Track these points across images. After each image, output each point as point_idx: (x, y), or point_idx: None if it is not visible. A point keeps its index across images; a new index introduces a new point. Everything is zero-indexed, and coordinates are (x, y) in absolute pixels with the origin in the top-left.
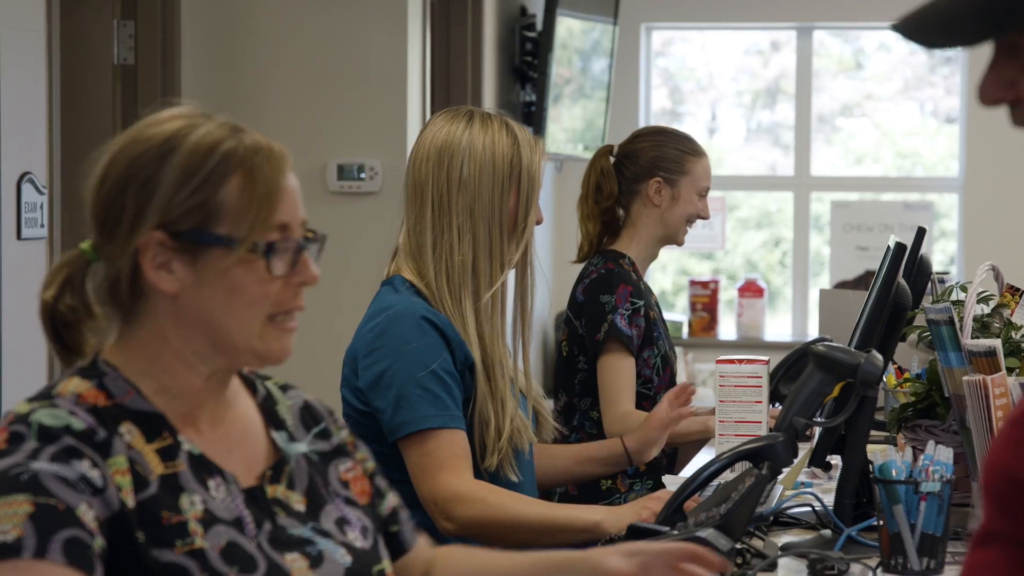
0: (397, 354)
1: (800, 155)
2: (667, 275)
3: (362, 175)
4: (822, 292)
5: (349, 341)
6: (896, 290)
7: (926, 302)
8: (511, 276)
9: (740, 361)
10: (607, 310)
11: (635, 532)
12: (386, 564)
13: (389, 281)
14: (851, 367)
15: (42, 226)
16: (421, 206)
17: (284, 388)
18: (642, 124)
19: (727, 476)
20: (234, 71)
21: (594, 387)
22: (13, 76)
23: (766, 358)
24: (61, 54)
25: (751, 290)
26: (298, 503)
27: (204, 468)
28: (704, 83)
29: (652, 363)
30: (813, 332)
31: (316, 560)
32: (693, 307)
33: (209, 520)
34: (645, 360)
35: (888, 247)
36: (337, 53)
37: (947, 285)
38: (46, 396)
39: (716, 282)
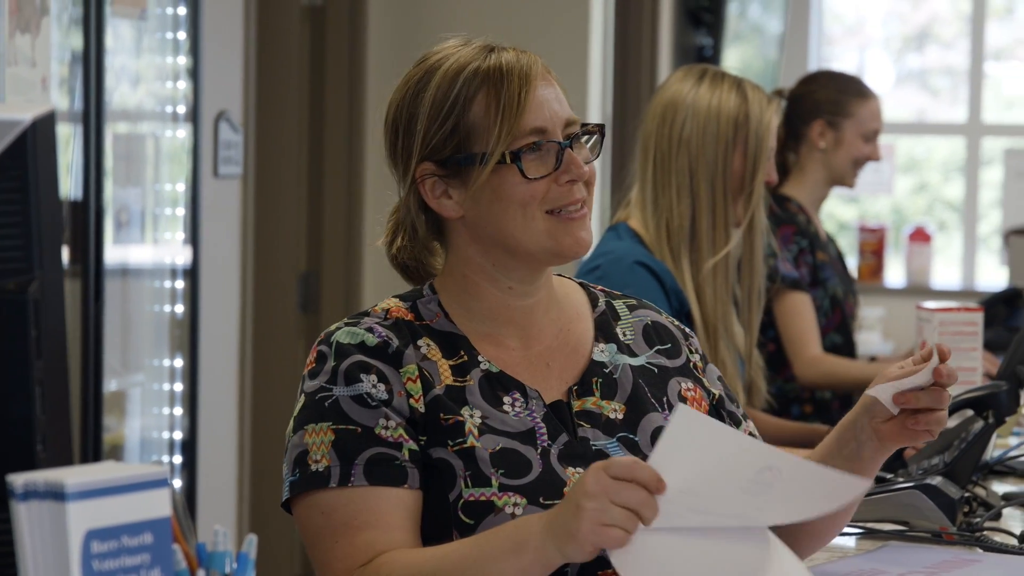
0: None
1: (972, 100)
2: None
3: None
4: (1012, 238)
5: None
6: None
7: None
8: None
9: (957, 309)
10: (768, 254)
11: None
12: None
13: (614, 227)
14: None
15: (238, 164)
16: (645, 162)
17: (633, 307)
18: (812, 68)
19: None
20: (420, 13)
21: (766, 330)
22: (213, 18)
23: (977, 305)
24: None
25: (919, 236)
26: (614, 411)
27: (500, 385)
28: (853, 28)
29: (820, 304)
30: (982, 279)
31: None
32: (861, 252)
33: (486, 429)
34: (812, 300)
35: None
36: None
37: None
38: (360, 315)
39: (884, 228)
